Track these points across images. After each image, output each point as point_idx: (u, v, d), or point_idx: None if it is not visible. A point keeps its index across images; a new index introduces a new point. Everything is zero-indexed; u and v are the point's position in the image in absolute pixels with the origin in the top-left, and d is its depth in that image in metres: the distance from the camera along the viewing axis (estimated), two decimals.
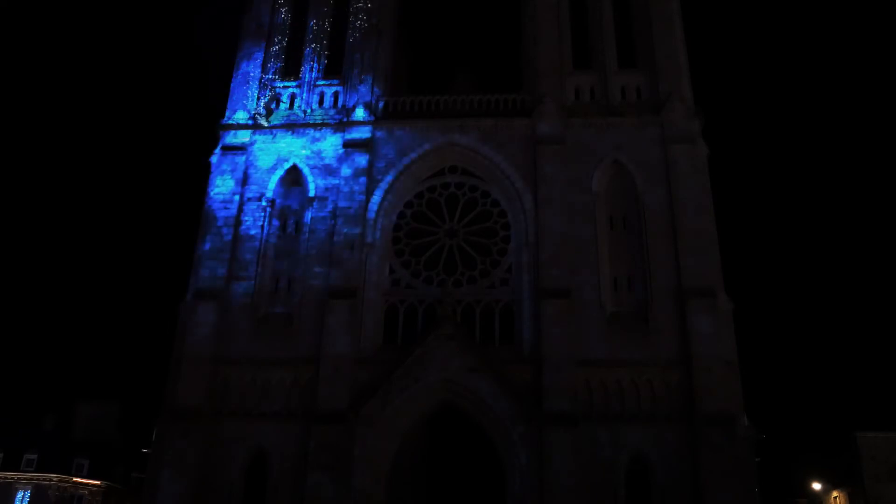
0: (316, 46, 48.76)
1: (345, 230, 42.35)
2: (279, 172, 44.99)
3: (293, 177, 45.14)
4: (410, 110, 46.18)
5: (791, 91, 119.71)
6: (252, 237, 43.34)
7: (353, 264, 41.57)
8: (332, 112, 46.40)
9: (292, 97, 47.46)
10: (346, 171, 43.96)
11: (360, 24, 48.41)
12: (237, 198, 44.06)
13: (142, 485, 42.93)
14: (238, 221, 43.54)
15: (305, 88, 47.56)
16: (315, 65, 48.27)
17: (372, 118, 45.36)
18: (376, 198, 43.65)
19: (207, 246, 42.94)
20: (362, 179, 43.73)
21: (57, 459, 66.71)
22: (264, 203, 44.21)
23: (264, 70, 47.98)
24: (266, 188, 44.60)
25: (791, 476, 70.15)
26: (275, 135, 45.73)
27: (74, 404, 75.10)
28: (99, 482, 68.10)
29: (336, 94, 47.22)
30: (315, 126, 45.82)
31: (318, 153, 45.05)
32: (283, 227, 44.54)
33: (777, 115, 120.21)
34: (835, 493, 64.82)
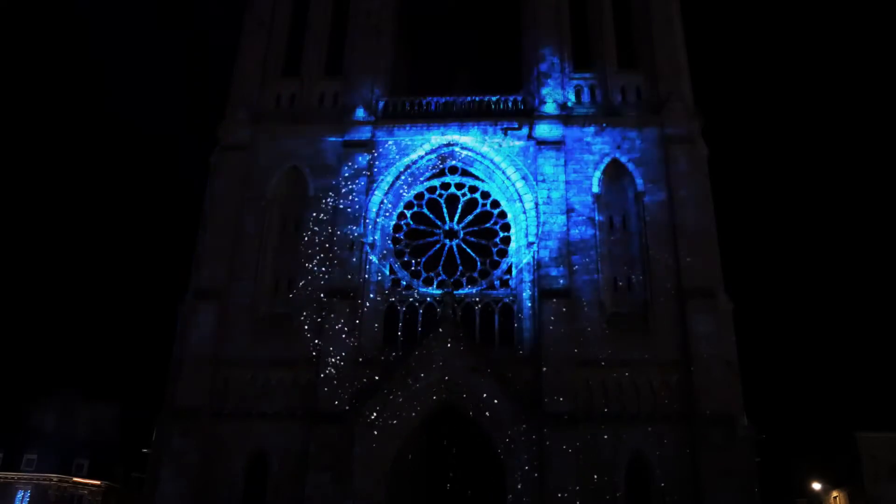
0: (316, 45, 48.74)
1: (345, 230, 42.32)
2: (279, 172, 44.92)
3: (293, 176, 45.08)
4: (410, 110, 46.14)
5: (791, 91, 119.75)
6: (252, 237, 43.29)
7: (353, 264, 41.55)
8: (332, 111, 46.35)
9: (292, 96, 47.44)
10: (345, 171, 43.91)
11: (360, 24, 48.41)
12: (237, 197, 44.01)
13: (142, 485, 42.94)
14: (238, 221, 43.48)
15: (306, 88, 47.52)
16: (315, 64, 48.24)
17: (372, 118, 45.28)
18: (376, 198, 43.64)
19: (207, 246, 42.92)
20: (362, 179, 43.70)
21: (57, 459, 66.78)
22: (264, 203, 44.17)
23: (265, 69, 47.96)
24: (266, 187, 44.54)
25: (791, 476, 70.11)
26: (275, 134, 45.69)
27: (74, 404, 75.15)
28: (99, 482, 68.17)
29: (336, 94, 47.17)
30: (315, 125, 45.75)
31: (319, 153, 44.96)
32: (283, 226, 44.52)
33: (777, 115, 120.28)
34: (835, 493, 64.83)
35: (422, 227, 44.41)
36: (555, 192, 42.18)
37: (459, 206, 44.68)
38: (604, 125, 44.06)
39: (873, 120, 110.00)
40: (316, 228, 43.08)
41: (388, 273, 43.20)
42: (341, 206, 43.01)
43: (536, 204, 42.11)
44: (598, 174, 43.05)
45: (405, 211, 44.80)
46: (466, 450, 39.91)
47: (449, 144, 44.91)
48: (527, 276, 41.35)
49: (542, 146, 43.39)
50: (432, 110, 45.95)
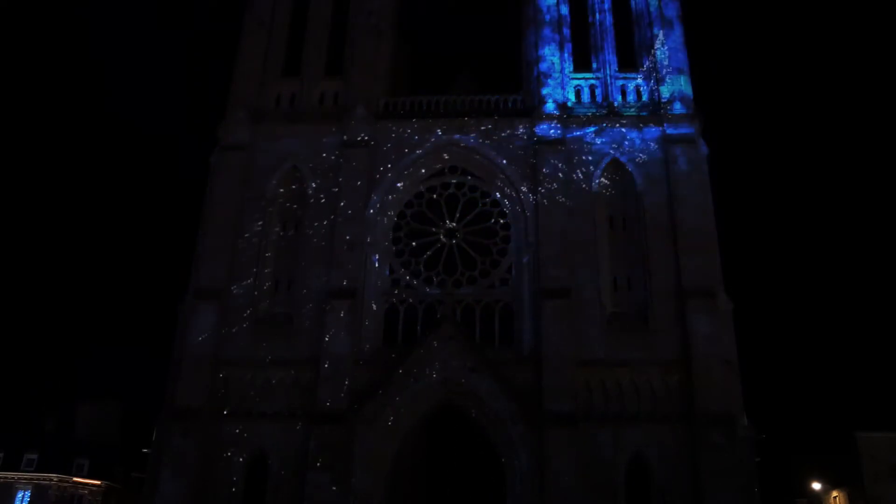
0: (316, 45, 48.70)
1: (345, 230, 42.25)
2: (279, 172, 44.86)
3: (293, 176, 45.04)
4: (410, 110, 46.13)
5: (791, 91, 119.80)
6: (252, 237, 43.23)
7: (353, 264, 41.50)
8: (332, 111, 46.28)
9: (292, 96, 47.41)
10: (345, 170, 43.87)
11: (360, 24, 48.38)
12: (237, 197, 43.96)
13: (142, 485, 42.94)
14: (238, 221, 43.43)
15: (306, 87, 47.47)
16: (315, 64, 48.20)
17: (372, 118, 45.28)
18: (376, 198, 43.57)
19: (207, 246, 42.88)
20: (362, 179, 43.63)
21: (57, 459, 66.76)
22: (264, 203, 44.11)
23: (264, 69, 47.92)
24: (266, 187, 44.49)
25: (791, 476, 70.11)
26: (275, 134, 45.62)
27: (75, 404, 75.20)
28: (99, 482, 68.15)
29: (336, 94, 47.12)
30: (315, 125, 45.68)
31: (318, 152, 44.89)
32: (283, 226, 44.50)
33: (777, 115, 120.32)
34: (835, 493, 64.82)
35: (422, 227, 44.36)
36: (555, 191, 42.16)
37: (459, 205, 44.63)
38: (604, 125, 44.07)
39: (873, 120, 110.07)
40: (316, 228, 43.03)
41: (388, 273, 43.15)
42: (341, 206, 42.95)
43: (536, 204, 42.09)
44: (598, 174, 43.03)
45: (405, 210, 44.74)
46: (466, 450, 40.00)
47: (449, 144, 44.88)
48: (527, 276, 41.30)
49: (542, 146, 43.38)
50: (432, 110, 45.95)
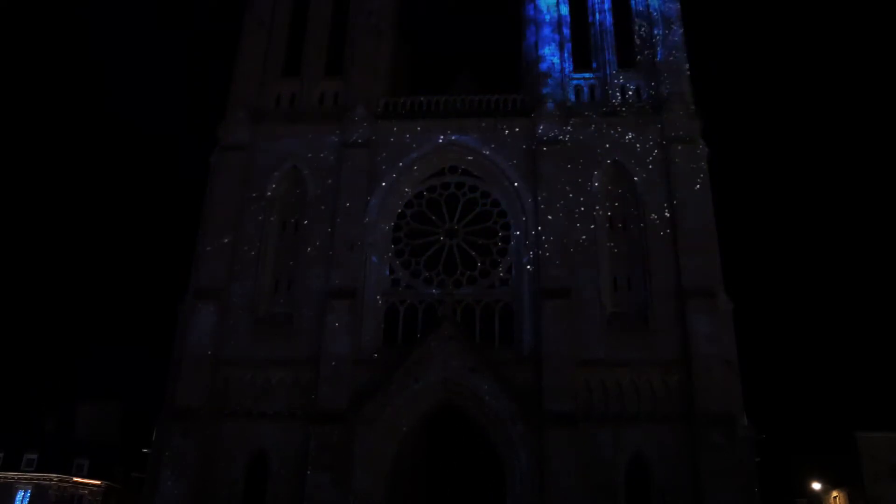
0: (316, 45, 48.71)
1: (345, 230, 42.27)
2: (279, 172, 44.87)
3: (293, 176, 45.05)
4: (410, 110, 46.12)
5: (791, 91, 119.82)
6: (252, 237, 43.26)
7: (353, 264, 41.50)
8: (332, 111, 46.29)
9: (292, 96, 47.41)
10: (345, 170, 43.87)
11: (360, 24, 48.40)
12: (237, 197, 43.96)
13: (142, 485, 42.95)
14: (238, 221, 43.44)
15: (306, 87, 47.49)
16: (315, 64, 48.21)
17: (372, 118, 45.27)
18: (376, 198, 43.56)
19: (207, 246, 42.87)
20: (362, 179, 43.65)
21: (57, 459, 66.74)
22: (264, 203, 44.12)
23: (264, 69, 47.93)
24: (266, 187, 44.50)
25: (791, 476, 70.09)
26: (275, 134, 45.63)
27: (75, 404, 75.17)
28: (99, 482, 68.13)
29: (336, 94, 47.13)
30: (315, 125, 45.70)
31: (318, 152, 44.90)
32: (283, 227, 44.50)
33: (777, 115, 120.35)
34: (835, 493, 64.79)
35: (422, 227, 44.33)
36: (555, 191, 42.12)
37: (459, 205, 44.60)
38: (604, 125, 44.02)
39: (873, 120, 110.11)
40: (316, 228, 43.03)
41: (388, 273, 43.13)
42: (341, 206, 42.94)
43: (536, 203, 42.04)
44: (598, 174, 42.98)
45: (405, 210, 44.72)
46: (466, 450, 39.99)
47: (449, 144, 44.85)
48: (527, 276, 41.26)
49: (542, 146, 43.34)
50: (432, 110, 45.94)
